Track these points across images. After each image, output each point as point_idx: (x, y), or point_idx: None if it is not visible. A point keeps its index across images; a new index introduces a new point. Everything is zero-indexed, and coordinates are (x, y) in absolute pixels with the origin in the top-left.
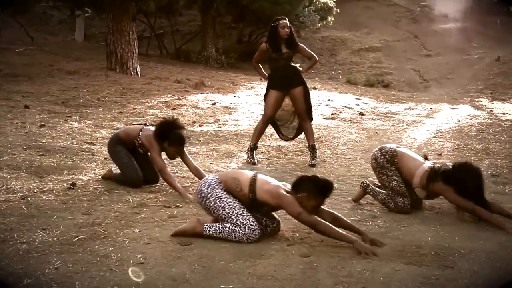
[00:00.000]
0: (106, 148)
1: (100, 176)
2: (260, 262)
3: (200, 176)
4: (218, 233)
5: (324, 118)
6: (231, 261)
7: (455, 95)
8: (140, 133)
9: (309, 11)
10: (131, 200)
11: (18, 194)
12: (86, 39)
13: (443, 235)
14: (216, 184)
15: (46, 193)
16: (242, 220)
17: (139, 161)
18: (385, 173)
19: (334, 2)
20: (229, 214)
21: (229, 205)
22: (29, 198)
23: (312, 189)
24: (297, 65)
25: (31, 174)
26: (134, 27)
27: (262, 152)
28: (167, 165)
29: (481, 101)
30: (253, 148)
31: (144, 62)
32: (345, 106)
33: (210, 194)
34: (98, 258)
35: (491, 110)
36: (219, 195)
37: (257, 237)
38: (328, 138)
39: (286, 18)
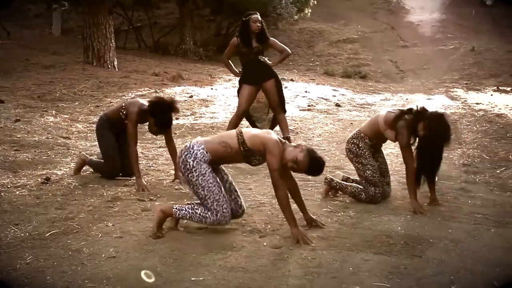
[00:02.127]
0: (94, 131)
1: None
2: (232, 254)
3: (174, 161)
4: (188, 217)
5: (300, 110)
6: (203, 254)
7: (430, 85)
8: (124, 103)
9: (286, 3)
10: (105, 194)
11: None
12: (64, 33)
13: (413, 224)
14: (203, 157)
15: (19, 188)
16: (216, 206)
17: (121, 149)
18: (360, 162)
19: None
20: (206, 197)
21: (209, 187)
22: (2, 194)
23: (310, 151)
24: (266, 59)
25: (5, 169)
26: (111, 21)
27: None
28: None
29: (456, 91)
30: None
31: (122, 55)
32: (322, 98)
33: (195, 169)
34: (70, 253)
35: (465, 100)
36: (203, 171)
37: (227, 223)
38: (303, 129)
39: (258, 13)
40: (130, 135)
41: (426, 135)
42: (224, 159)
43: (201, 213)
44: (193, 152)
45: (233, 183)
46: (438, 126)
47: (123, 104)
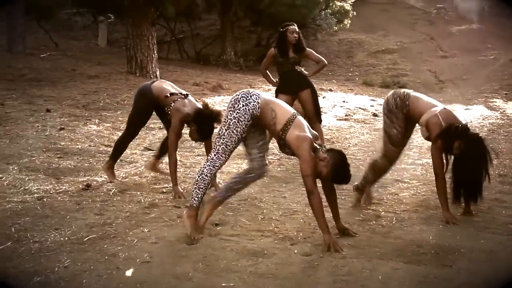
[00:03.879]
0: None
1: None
2: (263, 260)
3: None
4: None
5: (337, 120)
6: (234, 260)
7: (469, 95)
8: (172, 104)
9: (326, 14)
10: (142, 200)
11: (35, 195)
12: (109, 44)
13: (444, 234)
14: (253, 108)
15: (61, 194)
16: (220, 148)
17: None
18: (390, 118)
19: (350, 5)
20: (222, 136)
21: (232, 133)
22: (44, 199)
23: (336, 165)
24: (302, 69)
25: (49, 176)
26: (154, 32)
27: (274, 153)
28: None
29: (495, 102)
30: None
31: (164, 65)
32: (359, 107)
33: (238, 112)
34: (106, 257)
35: (504, 111)
36: (242, 119)
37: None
38: (339, 139)
39: (295, 24)
40: (171, 143)
41: (460, 156)
42: (266, 123)
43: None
44: (249, 99)
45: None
46: (473, 148)
47: (172, 103)
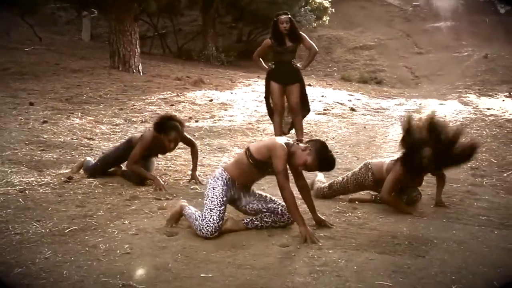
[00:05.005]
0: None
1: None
2: (241, 252)
3: (193, 162)
4: (188, 216)
5: (316, 114)
6: (213, 251)
7: (444, 91)
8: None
9: (305, 11)
10: (123, 193)
11: (17, 187)
12: (93, 39)
13: (418, 225)
14: (220, 175)
15: (43, 186)
16: (207, 214)
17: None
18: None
19: (329, 2)
20: (205, 205)
21: (212, 198)
22: (26, 191)
23: (318, 152)
24: (298, 64)
25: (31, 168)
26: (136, 27)
27: None
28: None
29: (468, 97)
30: None
31: (147, 60)
32: (338, 102)
33: (210, 184)
34: (87, 248)
35: (476, 106)
36: (215, 186)
37: (209, 234)
38: (318, 132)
39: (288, 13)
40: (132, 156)
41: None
42: (244, 177)
43: (196, 215)
44: (215, 173)
45: (272, 197)
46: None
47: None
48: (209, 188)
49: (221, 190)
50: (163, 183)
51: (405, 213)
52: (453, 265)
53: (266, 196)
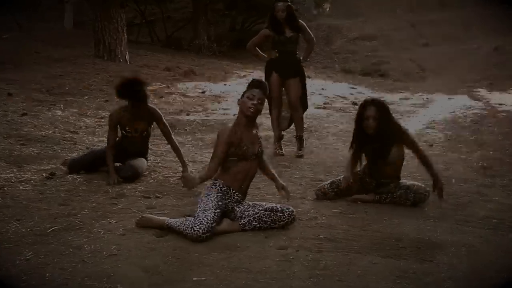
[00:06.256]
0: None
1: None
2: (236, 254)
3: (178, 156)
4: (172, 222)
5: (316, 108)
6: (206, 253)
7: (452, 85)
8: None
9: None
10: (110, 190)
11: None
12: (76, 26)
13: (424, 228)
14: (212, 185)
15: (23, 183)
16: (200, 213)
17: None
18: None
19: None
20: (199, 207)
21: (207, 201)
22: (5, 188)
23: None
24: (300, 58)
25: (10, 164)
26: (123, 14)
27: None
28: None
29: (478, 91)
30: (279, 139)
31: (134, 49)
32: (339, 96)
33: (203, 194)
34: (71, 249)
35: (487, 101)
36: (209, 193)
37: (200, 231)
38: (318, 128)
39: (287, 1)
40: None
41: None
42: (235, 176)
43: (187, 218)
44: (207, 184)
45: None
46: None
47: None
48: (203, 196)
49: (215, 196)
50: (115, 180)
51: (344, 183)
52: (461, 270)
53: (261, 203)
